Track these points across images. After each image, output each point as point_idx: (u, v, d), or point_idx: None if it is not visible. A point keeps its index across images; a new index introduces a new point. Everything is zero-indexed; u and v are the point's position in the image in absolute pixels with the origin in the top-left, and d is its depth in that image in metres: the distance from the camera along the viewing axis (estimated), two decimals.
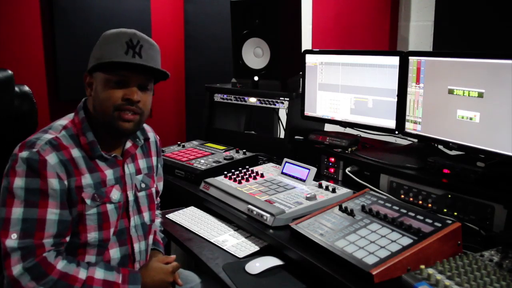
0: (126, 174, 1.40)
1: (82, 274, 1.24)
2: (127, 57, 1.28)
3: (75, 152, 1.29)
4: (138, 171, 1.46)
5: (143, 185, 1.46)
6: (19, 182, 1.20)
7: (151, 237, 1.52)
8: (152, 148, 1.56)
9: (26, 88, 1.73)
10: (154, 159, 1.56)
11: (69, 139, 1.30)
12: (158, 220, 1.69)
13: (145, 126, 1.56)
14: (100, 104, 1.31)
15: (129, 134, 1.39)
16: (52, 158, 1.23)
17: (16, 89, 1.70)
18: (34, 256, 1.19)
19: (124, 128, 1.32)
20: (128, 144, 1.43)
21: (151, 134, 1.57)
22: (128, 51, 1.28)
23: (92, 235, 1.30)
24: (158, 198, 1.70)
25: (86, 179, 1.29)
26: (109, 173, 1.35)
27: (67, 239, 1.27)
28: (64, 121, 1.36)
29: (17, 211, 1.19)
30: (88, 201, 1.28)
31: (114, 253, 1.36)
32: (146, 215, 1.46)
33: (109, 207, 1.33)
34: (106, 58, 1.28)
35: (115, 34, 1.31)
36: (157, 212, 1.71)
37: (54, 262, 1.21)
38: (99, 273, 1.27)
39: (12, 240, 1.18)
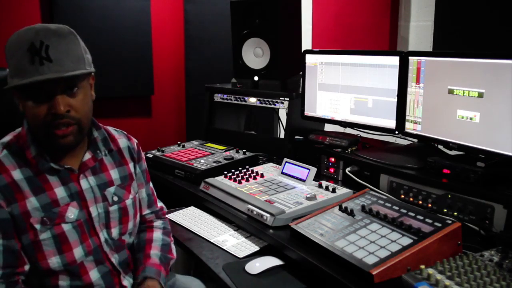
0: (84, 188, 1.27)
1: None
2: (34, 68, 1.11)
3: (17, 174, 1.19)
4: (110, 183, 1.34)
5: (115, 198, 1.34)
6: None
7: (126, 250, 1.40)
8: (126, 155, 1.42)
9: None
10: (130, 165, 1.42)
11: (11, 158, 1.20)
12: (156, 234, 1.49)
13: (114, 132, 1.43)
14: (31, 123, 1.21)
15: (74, 146, 1.26)
16: None
17: None
18: None
19: (63, 144, 1.19)
20: (87, 156, 1.30)
21: (123, 141, 1.43)
22: (34, 59, 1.11)
23: (53, 261, 1.20)
24: (162, 205, 1.60)
25: (31, 203, 1.18)
26: (60, 191, 1.23)
27: (25, 268, 1.19)
28: (8, 137, 1.26)
29: None
30: (37, 226, 1.18)
31: (94, 274, 1.27)
32: (114, 230, 1.33)
33: (66, 227, 1.22)
34: (14, 77, 1.14)
35: (14, 42, 1.15)
36: (158, 222, 1.54)
37: None
38: None
39: None
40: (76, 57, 1.19)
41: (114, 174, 1.37)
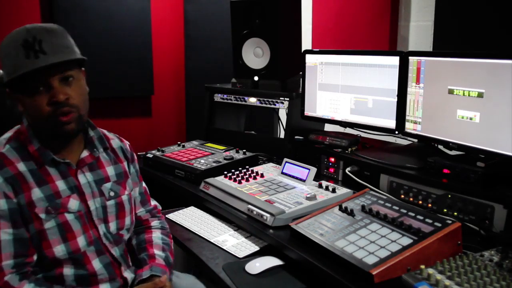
0: (82, 183, 1.33)
1: None
2: (30, 62, 1.18)
3: (21, 166, 1.24)
4: (106, 179, 1.39)
5: (112, 194, 1.39)
6: None
7: (124, 244, 1.44)
8: (120, 154, 1.48)
9: None
10: (125, 164, 1.48)
11: (14, 152, 1.25)
12: (155, 234, 1.52)
13: (108, 134, 1.49)
14: (33, 117, 1.25)
15: (76, 133, 1.32)
16: None
17: None
18: None
19: (67, 130, 1.26)
20: (85, 153, 1.36)
21: (115, 141, 1.50)
22: (29, 54, 1.18)
23: (59, 249, 1.24)
24: (156, 203, 1.63)
25: (36, 194, 1.23)
26: (60, 184, 1.29)
27: (34, 258, 1.22)
28: (9, 133, 1.31)
29: None
30: (42, 215, 1.23)
31: (96, 264, 1.31)
32: (112, 225, 1.38)
33: (69, 216, 1.27)
34: (11, 72, 1.20)
35: (8, 40, 1.23)
36: (156, 222, 1.57)
37: (18, 286, 1.16)
38: None
39: None
40: (68, 48, 1.26)
41: (110, 171, 1.43)
